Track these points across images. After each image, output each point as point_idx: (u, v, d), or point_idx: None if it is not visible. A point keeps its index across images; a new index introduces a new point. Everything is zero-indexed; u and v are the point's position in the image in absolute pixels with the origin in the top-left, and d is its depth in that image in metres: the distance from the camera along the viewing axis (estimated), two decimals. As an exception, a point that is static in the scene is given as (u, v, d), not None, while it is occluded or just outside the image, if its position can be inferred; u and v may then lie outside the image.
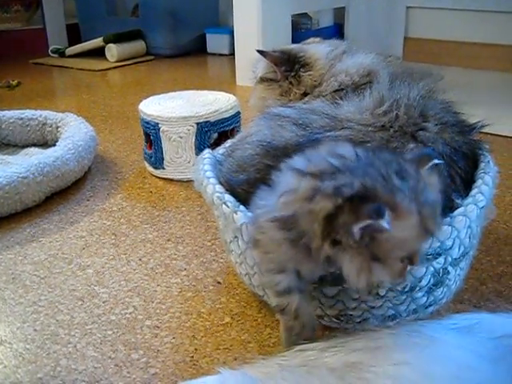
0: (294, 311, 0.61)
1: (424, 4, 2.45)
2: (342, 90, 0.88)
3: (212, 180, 0.76)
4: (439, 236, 0.64)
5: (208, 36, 2.85)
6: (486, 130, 1.54)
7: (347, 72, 0.89)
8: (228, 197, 0.72)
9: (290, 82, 0.93)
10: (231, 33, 2.21)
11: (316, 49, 0.94)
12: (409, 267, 0.55)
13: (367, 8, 2.51)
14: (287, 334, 0.64)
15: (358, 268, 0.51)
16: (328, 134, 0.73)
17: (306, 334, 0.62)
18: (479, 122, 0.84)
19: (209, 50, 2.87)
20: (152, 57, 2.81)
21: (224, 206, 0.71)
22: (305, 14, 2.42)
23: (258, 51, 0.95)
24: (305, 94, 0.91)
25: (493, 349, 0.53)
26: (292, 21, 2.21)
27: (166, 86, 2.26)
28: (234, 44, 2.18)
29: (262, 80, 0.96)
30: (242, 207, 0.70)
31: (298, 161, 0.58)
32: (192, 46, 2.88)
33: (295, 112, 0.78)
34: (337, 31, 2.49)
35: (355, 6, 2.47)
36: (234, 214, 0.69)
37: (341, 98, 0.84)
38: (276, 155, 0.71)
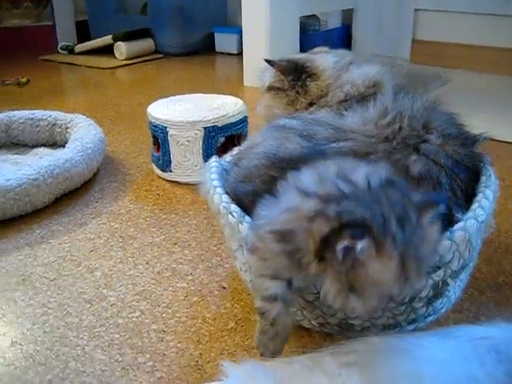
0: (271, 318, 0.63)
1: (432, 6, 2.46)
2: (348, 100, 0.89)
3: (219, 189, 0.77)
4: (439, 249, 0.65)
5: (216, 35, 2.87)
6: (490, 136, 1.56)
7: (353, 83, 0.91)
8: (234, 207, 0.73)
9: (297, 92, 0.94)
10: (240, 32, 2.23)
11: (323, 59, 0.96)
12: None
13: (375, 10, 2.52)
14: (260, 335, 0.66)
15: (335, 291, 0.54)
16: (332, 144, 0.74)
17: (277, 341, 0.65)
18: (482, 133, 0.85)
19: (217, 49, 2.88)
20: (161, 55, 2.83)
21: (230, 215, 0.72)
22: (313, 16, 2.44)
23: (266, 60, 0.96)
24: (311, 104, 0.93)
25: (471, 349, 0.56)
26: (300, 22, 2.22)
27: (174, 85, 2.28)
28: (242, 44, 2.19)
29: (270, 89, 0.98)
30: (247, 218, 0.72)
31: (305, 178, 0.60)
32: (200, 44, 2.89)
33: (300, 123, 0.79)
34: (345, 33, 2.49)
35: (363, 8, 2.48)
36: (240, 225, 0.71)
37: (346, 109, 0.85)
38: (281, 167, 0.73)
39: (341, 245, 0.51)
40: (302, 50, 2.19)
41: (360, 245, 0.50)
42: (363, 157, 0.72)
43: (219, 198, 0.76)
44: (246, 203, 0.74)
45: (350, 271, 0.52)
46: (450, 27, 2.43)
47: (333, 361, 0.59)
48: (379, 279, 0.53)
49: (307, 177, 0.60)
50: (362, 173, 0.59)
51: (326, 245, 0.53)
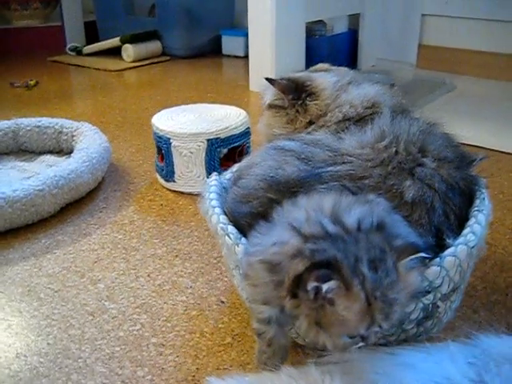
0: (267, 339, 0.67)
1: (439, 12, 2.46)
2: (346, 120, 0.91)
3: (217, 210, 0.80)
4: (428, 276, 0.67)
5: (223, 37, 2.89)
6: (493, 147, 1.57)
7: (351, 103, 0.92)
8: (231, 228, 0.76)
9: (297, 110, 0.96)
10: (247, 35, 2.24)
11: (323, 78, 0.97)
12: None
13: (382, 15, 2.52)
14: (259, 355, 0.70)
15: (306, 326, 0.58)
16: (329, 168, 0.76)
17: (275, 360, 0.68)
18: (478, 156, 0.86)
19: (224, 52, 2.90)
20: (167, 57, 2.85)
21: (227, 237, 0.75)
22: (319, 20, 2.44)
23: (267, 79, 0.98)
24: (310, 123, 0.94)
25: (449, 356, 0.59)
26: (306, 27, 2.23)
27: (180, 89, 2.30)
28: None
29: (270, 107, 1.00)
30: (243, 240, 0.74)
31: (297, 213, 0.63)
32: (207, 47, 2.91)
33: (298, 145, 0.81)
34: (351, 37, 2.50)
35: (370, 13, 2.48)
36: (236, 247, 0.73)
37: (344, 130, 0.87)
38: (279, 190, 0.75)
39: (311, 284, 0.54)
40: (308, 54, 2.21)
41: (327, 285, 0.54)
42: (359, 180, 0.75)
43: (217, 219, 0.78)
44: (244, 224, 0.77)
45: (319, 309, 0.55)
46: (458, 33, 2.44)
47: (316, 369, 0.62)
48: (345, 318, 0.55)
49: (299, 212, 0.63)
50: (355, 214, 0.61)
51: (299, 282, 0.56)
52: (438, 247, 0.72)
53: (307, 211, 0.62)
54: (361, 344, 0.60)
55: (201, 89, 2.29)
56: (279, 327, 0.66)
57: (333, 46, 2.42)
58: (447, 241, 0.72)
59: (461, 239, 0.72)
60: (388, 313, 0.56)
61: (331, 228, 0.58)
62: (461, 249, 0.70)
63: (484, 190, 0.83)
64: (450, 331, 0.84)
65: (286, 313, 0.64)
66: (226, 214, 0.80)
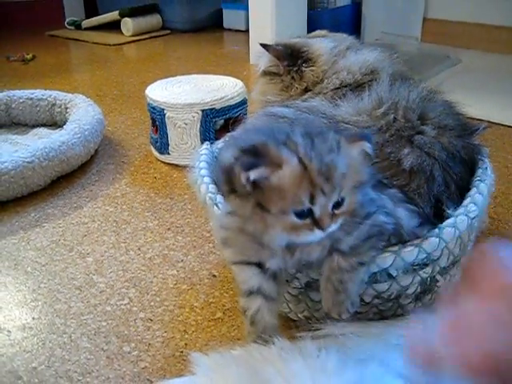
0: (250, 316, 0.63)
1: (444, -16, 2.39)
2: (343, 87, 0.87)
3: (206, 179, 0.76)
4: (426, 247, 0.64)
5: (225, 11, 2.82)
6: (498, 120, 1.53)
7: (349, 69, 0.88)
8: (220, 198, 0.72)
9: (292, 77, 0.92)
10: (248, 8, 2.18)
11: (320, 44, 0.93)
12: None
13: (386, -13, 2.45)
14: (248, 336, 0.66)
15: (249, 212, 0.55)
16: (324, 135, 0.73)
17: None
18: (481, 124, 0.82)
19: (225, 26, 2.84)
20: (168, 31, 2.79)
21: (215, 207, 0.71)
22: (322, -8, 2.38)
23: (261, 44, 0.94)
24: (306, 90, 0.91)
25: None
26: (308, -1, 2.17)
27: (179, 63, 2.25)
28: (250, 21, 2.16)
29: (265, 73, 0.96)
30: (232, 210, 0.70)
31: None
32: (208, 21, 2.85)
33: (292, 112, 0.77)
34: (354, 10, 2.44)
35: (374, -15, 2.42)
36: (225, 217, 0.70)
37: (341, 97, 0.83)
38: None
39: (243, 176, 0.53)
40: (310, 27, 2.15)
41: (253, 174, 0.52)
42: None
43: (206, 188, 0.74)
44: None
45: (257, 193, 0.54)
46: (463, 6, 2.36)
47: (312, 344, 0.59)
48: (282, 188, 0.53)
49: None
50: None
51: (230, 174, 0.56)
52: (438, 218, 0.69)
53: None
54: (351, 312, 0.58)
55: (201, 62, 2.25)
56: (265, 300, 0.63)
57: (335, 19, 2.36)
58: (447, 211, 0.68)
59: (461, 209, 0.68)
60: (328, 176, 0.52)
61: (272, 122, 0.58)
62: (461, 219, 0.67)
63: (486, 160, 0.79)
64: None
65: (268, 273, 0.62)
66: (216, 184, 0.76)
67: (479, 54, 2.27)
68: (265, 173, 0.53)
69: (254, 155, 0.53)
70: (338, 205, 0.55)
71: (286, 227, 0.54)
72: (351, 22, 2.43)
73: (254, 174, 0.52)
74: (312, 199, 0.53)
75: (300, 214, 0.54)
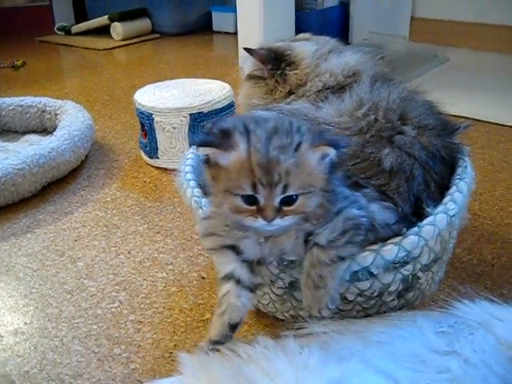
0: (219, 298, 0.65)
1: (432, -17, 2.41)
2: (326, 90, 0.88)
3: (192, 183, 0.78)
4: (405, 245, 0.65)
5: (214, 14, 2.84)
6: (484, 118, 1.55)
7: (331, 72, 0.90)
8: (205, 201, 0.73)
9: (276, 81, 0.93)
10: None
11: (302, 47, 0.94)
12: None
13: (374, -13, 2.47)
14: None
15: (209, 183, 0.61)
16: (306, 137, 0.74)
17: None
18: (462, 123, 0.83)
19: (214, 29, 2.85)
20: (157, 35, 2.81)
21: (200, 210, 0.73)
22: (310, -6, 2.40)
23: (245, 49, 0.95)
24: (290, 93, 0.92)
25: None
26: (295, 0, 2.19)
27: (169, 66, 2.27)
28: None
29: (250, 77, 0.97)
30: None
31: None
32: (198, 24, 2.87)
33: (275, 115, 0.79)
34: (342, 11, 2.45)
35: (361, -15, 2.44)
36: (210, 220, 0.71)
37: (323, 99, 0.85)
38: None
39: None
40: (298, 29, 2.16)
41: (203, 151, 0.59)
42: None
43: (191, 192, 0.76)
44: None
45: (212, 168, 0.59)
46: (450, 4, 2.39)
47: (294, 342, 0.61)
48: (227, 169, 0.57)
49: None
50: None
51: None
52: (419, 216, 0.70)
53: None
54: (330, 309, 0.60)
55: (190, 66, 2.26)
56: (236, 285, 0.64)
57: (323, 19, 2.37)
58: (426, 210, 0.70)
59: (440, 208, 0.70)
60: (268, 169, 0.55)
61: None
62: (440, 217, 0.68)
63: (467, 158, 0.81)
64: (435, 303, 0.83)
65: (244, 259, 0.64)
66: (201, 188, 0.78)
67: (467, 52, 2.29)
68: (215, 152, 0.57)
69: (219, 136, 0.58)
70: (288, 202, 0.57)
71: (232, 207, 0.59)
72: (339, 23, 2.45)
73: (203, 151, 0.58)
74: (254, 188, 0.56)
75: (246, 200, 0.57)
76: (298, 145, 0.57)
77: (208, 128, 0.61)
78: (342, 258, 0.62)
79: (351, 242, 0.62)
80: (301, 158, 0.57)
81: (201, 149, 0.58)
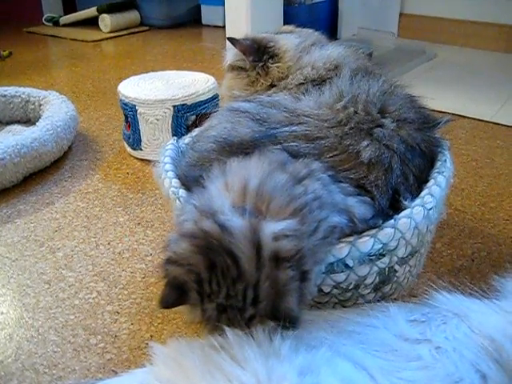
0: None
1: (421, -20, 2.41)
2: (307, 83, 0.88)
3: (170, 174, 0.77)
4: (381, 238, 0.65)
5: (203, 7, 2.82)
6: (469, 114, 1.55)
7: (313, 65, 0.89)
8: (182, 192, 0.73)
9: (258, 73, 0.93)
10: (226, 4, 2.19)
11: (286, 40, 0.94)
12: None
13: (363, -18, 2.47)
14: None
15: None
16: (284, 128, 0.74)
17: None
18: (443, 117, 0.83)
19: (204, 22, 2.84)
20: (146, 28, 2.79)
21: (177, 201, 0.72)
22: (299, -12, 2.39)
23: (228, 38, 0.95)
24: (272, 86, 0.92)
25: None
26: (285, -6, 2.18)
27: (157, 59, 2.25)
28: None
29: (232, 68, 0.97)
30: (194, 203, 0.71)
31: (211, 194, 0.63)
32: (187, 17, 2.85)
33: (254, 106, 0.78)
34: (331, 6, 2.45)
35: (351, -20, 2.43)
36: (186, 210, 0.71)
37: (303, 92, 0.84)
38: (232, 151, 0.72)
39: None
40: (287, 23, 2.14)
41: None
42: (314, 141, 0.72)
43: (169, 183, 0.75)
44: (196, 188, 0.74)
45: None
46: (439, 1, 2.39)
47: (266, 331, 0.60)
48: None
49: (214, 190, 0.63)
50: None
51: None
52: (396, 210, 0.70)
53: (220, 191, 0.62)
54: None
55: (178, 58, 2.25)
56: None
57: (312, 14, 2.37)
58: (404, 202, 0.70)
59: (417, 201, 0.70)
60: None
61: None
62: (417, 210, 0.68)
63: (446, 152, 0.81)
64: (413, 297, 0.83)
65: None
66: (179, 179, 0.77)
67: (455, 49, 2.30)
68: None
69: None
70: None
71: None
72: (328, 18, 2.44)
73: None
74: None
75: None
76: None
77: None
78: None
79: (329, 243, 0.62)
80: None
81: None
